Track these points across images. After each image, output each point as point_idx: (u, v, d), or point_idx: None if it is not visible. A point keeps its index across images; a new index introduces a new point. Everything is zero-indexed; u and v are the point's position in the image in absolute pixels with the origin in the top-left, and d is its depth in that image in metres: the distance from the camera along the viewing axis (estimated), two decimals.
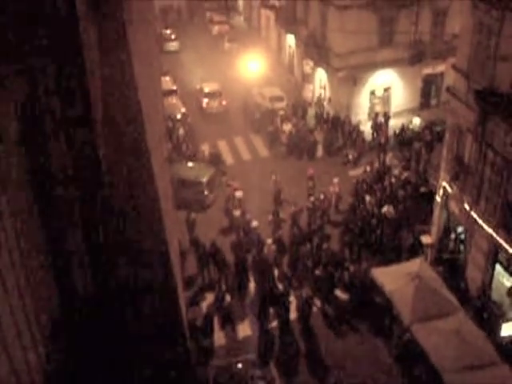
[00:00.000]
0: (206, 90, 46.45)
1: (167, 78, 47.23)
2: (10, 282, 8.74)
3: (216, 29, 64.08)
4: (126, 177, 10.44)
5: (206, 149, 39.35)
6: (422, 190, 32.55)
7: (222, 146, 40.74)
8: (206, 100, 45.54)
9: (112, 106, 9.75)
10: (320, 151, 39.19)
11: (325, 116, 42.41)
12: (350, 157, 38.00)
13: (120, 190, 10.52)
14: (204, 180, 33.60)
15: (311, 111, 44.09)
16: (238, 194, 32.18)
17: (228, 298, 26.91)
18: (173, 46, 59.60)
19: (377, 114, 41.30)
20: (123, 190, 10.57)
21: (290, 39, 50.98)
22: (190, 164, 35.61)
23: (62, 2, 8.21)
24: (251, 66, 47.39)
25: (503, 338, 23.07)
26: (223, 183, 35.09)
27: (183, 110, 43.64)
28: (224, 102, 45.41)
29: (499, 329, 23.16)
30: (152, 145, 10.98)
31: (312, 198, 31.88)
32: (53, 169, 9.59)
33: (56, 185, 9.83)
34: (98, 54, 9.45)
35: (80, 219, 10.40)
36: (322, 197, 31.93)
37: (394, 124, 40.53)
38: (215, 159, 37.16)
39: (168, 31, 61.13)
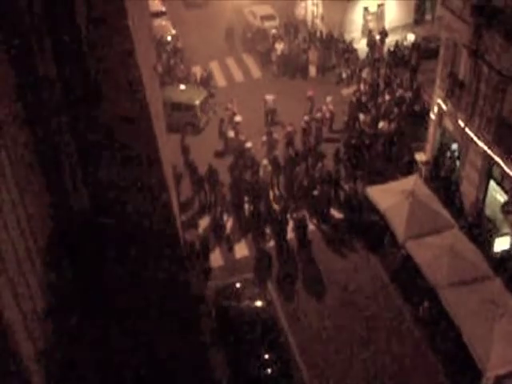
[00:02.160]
0: None
1: None
2: (4, 199, 8.72)
3: None
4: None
5: (197, 71, 38.78)
6: (417, 107, 32.33)
7: (214, 66, 40.11)
8: None
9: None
10: (313, 70, 38.65)
11: (318, 34, 41.62)
12: (344, 75, 37.52)
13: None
14: (197, 103, 33.25)
15: (304, 29, 43.22)
16: (237, 118, 31.84)
17: (225, 219, 27.14)
18: None
19: (370, 31, 40.53)
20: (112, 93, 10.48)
21: None
22: (182, 87, 35.12)
23: None
24: None
25: (496, 252, 23.41)
26: (214, 105, 34.69)
27: (173, 31, 42.71)
28: None
29: (492, 244, 23.48)
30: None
31: (306, 118, 31.63)
32: (40, 71, 9.48)
33: (44, 88, 9.72)
34: None
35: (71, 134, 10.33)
36: (318, 115, 31.69)
37: (389, 41, 39.81)
38: (205, 81, 36.74)
39: None
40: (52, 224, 10.52)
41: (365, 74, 36.42)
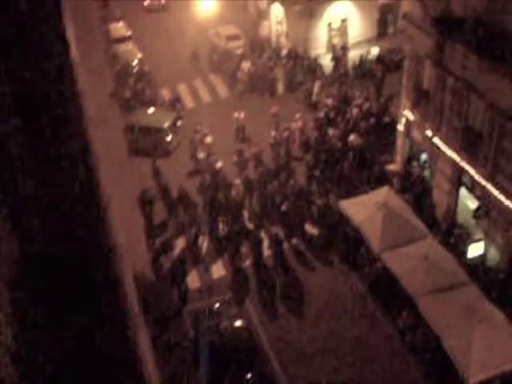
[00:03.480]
0: None
1: (120, 24, 45.91)
2: None
3: None
4: None
5: (165, 93, 38.77)
6: (385, 120, 32.57)
7: (182, 88, 40.13)
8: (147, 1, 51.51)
9: None
10: (281, 88, 38.84)
11: (283, 52, 41.88)
12: (312, 91, 37.66)
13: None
14: (166, 125, 33.17)
15: (269, 48, 43.47)
16: (208, 139, 31.75)
17: (199, 240, 27.02)
18: None
19: (334, 46, 40.92)
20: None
21: None
22: (151, 110, 35.05)
23: None
24: (205, 5, 46.33)
25: (470, 258, 23.60)
26: (183, 127, 34.58)
27: (139, 55, 42.61)
28: (163, 1, 51.06)
29: (466, 250, 23.67)
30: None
31: (273, 133, 31.70)
32: None
33: None
34: None
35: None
36: (285, 134, 31.75)
37: (353, 55, 40.24)
38: (173, 103, 36.75)
39: None
40: (17, 254, 10.34)
41: (325, 89, 36.70)
